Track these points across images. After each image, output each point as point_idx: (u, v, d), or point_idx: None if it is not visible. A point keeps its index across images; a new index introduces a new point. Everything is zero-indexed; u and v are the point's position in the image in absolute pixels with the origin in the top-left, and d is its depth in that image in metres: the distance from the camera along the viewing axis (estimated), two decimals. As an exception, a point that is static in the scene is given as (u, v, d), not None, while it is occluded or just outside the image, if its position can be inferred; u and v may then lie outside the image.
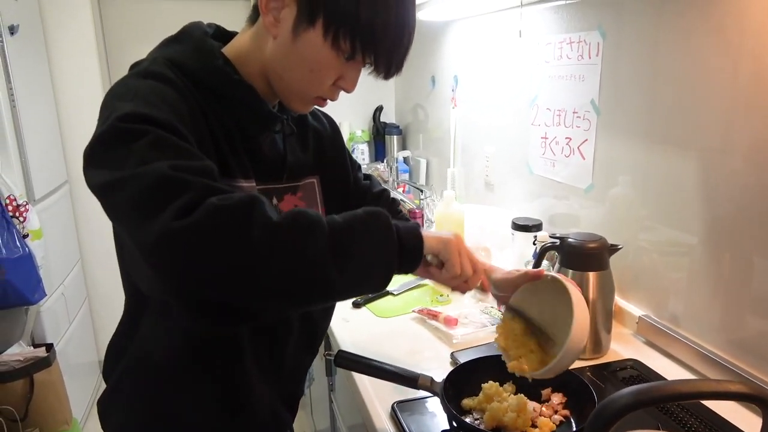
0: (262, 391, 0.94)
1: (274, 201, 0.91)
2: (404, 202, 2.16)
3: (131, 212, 0.63)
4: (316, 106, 0.88)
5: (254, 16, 0.83)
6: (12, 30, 2.10)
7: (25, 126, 2.16)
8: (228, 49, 0.84)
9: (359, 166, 1.12)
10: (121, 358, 0.91)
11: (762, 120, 0.96)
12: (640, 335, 1.24)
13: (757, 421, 0.91)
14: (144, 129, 0.66)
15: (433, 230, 0.77)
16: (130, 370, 0.89)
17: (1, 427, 1.81)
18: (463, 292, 0.85)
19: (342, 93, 0.84)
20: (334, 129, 1.06)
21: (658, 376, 1.07)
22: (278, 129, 0.90)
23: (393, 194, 2.16)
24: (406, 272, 0.75)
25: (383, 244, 0.69)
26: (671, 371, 1.10)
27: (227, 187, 0.66)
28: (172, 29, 0.85)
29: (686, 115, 1.11)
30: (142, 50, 0.85)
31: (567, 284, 0.84)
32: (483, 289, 0.88)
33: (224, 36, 0.88)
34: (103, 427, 0.95)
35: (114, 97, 0.73)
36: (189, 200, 0.61)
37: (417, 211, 1.81)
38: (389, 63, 0.79)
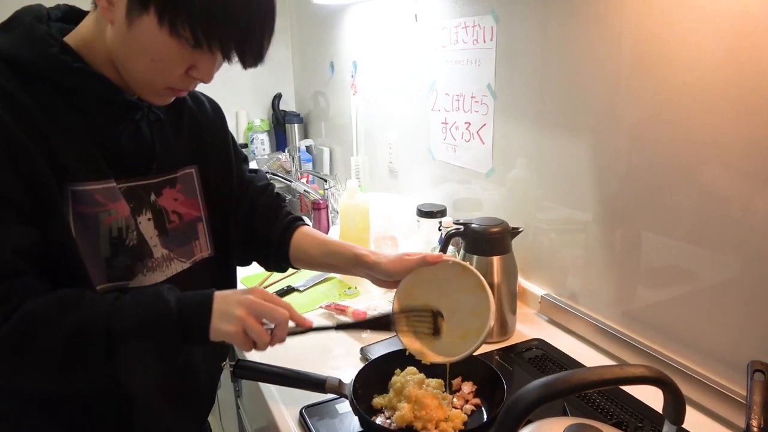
0: (172, 415, 0.85)
1: (153, 197, 0.81)
2: (308, 193, 2.10)
3: None
4: (182, 95, 0.79)
5: None
6: None
7: None
8: (72, 36, 0.74)
9: (245, 158, 1.03)
10: None
11: (641, 102, 1.00)
12: (543, 314, 1.28)
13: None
14: None
15: (218, 306, 0.71)
16: None
17: None
18: (271, 344, 0.76)
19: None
20: (216, 113, 0.96)
21: (561, 354, 1.10)
22: (138, 117, 0.79)
23: (296, 185, 2.04)
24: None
25: (159, 347, 0.69)
26: (573, 347, 1.14)
27: None
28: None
29: (574, 98, 1.14)
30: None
31: (474, 270, 0.83)
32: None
33: (79, 17, 0.77)
34: None
35: None
36: None
37: (321, 201, 1.75)
38: (242, 53, 0.70)
